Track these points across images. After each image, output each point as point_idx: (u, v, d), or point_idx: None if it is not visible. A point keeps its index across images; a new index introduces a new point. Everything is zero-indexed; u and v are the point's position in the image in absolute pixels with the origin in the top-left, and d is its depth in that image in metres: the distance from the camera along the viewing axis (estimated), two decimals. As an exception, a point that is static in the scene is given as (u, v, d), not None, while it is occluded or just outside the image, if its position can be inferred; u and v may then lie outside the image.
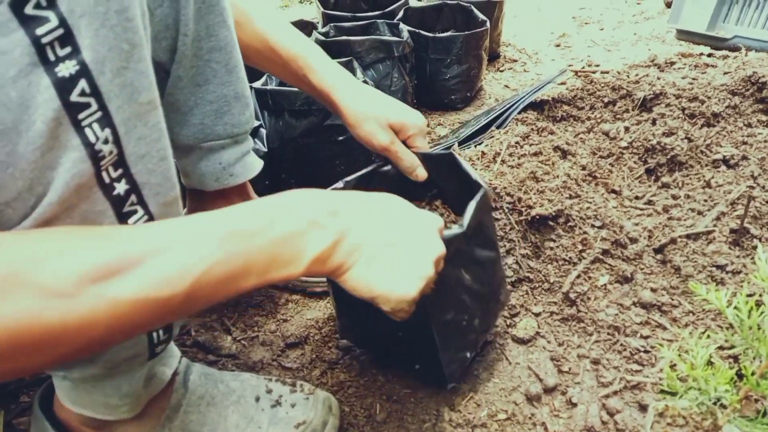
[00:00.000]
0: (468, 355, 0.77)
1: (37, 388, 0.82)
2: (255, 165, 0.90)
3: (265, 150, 1.19)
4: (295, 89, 1.15)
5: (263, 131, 1.20)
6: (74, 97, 0.42)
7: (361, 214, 0.52)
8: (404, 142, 0.85)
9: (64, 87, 0.41)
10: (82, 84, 0.42)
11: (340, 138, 1.18)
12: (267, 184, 1.20)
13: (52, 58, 0.40)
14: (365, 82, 1.18)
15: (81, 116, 0.43)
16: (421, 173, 0.85)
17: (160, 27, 0.70)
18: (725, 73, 1.24)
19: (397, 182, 0.86)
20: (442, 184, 0.87)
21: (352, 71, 1.26)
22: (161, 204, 0.52)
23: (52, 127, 0.41)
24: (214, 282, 0.43)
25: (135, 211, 0.50)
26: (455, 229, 0.67)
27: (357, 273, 0.51)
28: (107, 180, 0.46)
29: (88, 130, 0.43)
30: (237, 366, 0.88)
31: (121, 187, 0.48)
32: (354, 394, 0.82)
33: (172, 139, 0.81)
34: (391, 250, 0.53)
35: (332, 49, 1.36)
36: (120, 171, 0.47)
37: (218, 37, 0.75)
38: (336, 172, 1.23)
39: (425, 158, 0.85)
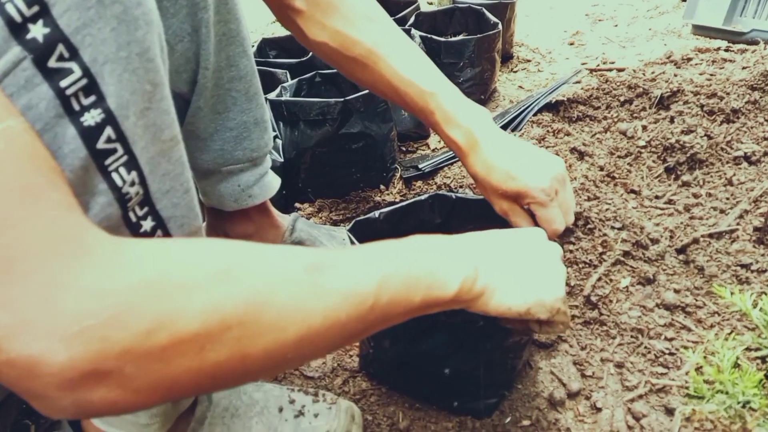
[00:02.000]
0: (506, 393, 0.79)
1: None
2: (273, 184, 0.91)
3: (282, 160, 1.20)
4: (311, 99, 1.17)
5: (279, 142, 1.22)
6: (101, 144, 0.42)
7: (487, 245, 0.58)
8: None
9: (90, 136, 0.41)
10: (108, 131, 0.42)
11: (355, 146, 1.18)
12: (284, 193, 1.21)
13: (77, 108, 0.40)
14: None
15: (107, 162, 0.43)
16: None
17: (180, 61, 0.71)
18: (744, 68, 1.22)
19: (431, 215, 0.87)
20: (481, 225, 0.87)
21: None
22: (186, 234, 0.53)
23: (79, 175, 0.41)
24: (392, 290, 0.45)
25: None
26: None
27: (504, 292, 0.55)
28: (134, 219, 0.47)
29: (114, 175, 0.44)
30: (260, 376, 0.88)
31: (147, 224, 0.49)
32: (376, 402, 0.82)
33: (192, 163, 0.83)
34: (526, 266, 0.58)
35: (345, 57, 1.37)
36: (146, 209, 0.48)
37: (238, 67, 0.76)
38: (352, 179, 1.24)
39: (466, 201, 0.84)
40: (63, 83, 0.39)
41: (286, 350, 0.39)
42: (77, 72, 0.40)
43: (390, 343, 0.78)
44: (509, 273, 0.56)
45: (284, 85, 1.27)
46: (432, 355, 0.74)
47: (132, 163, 0.45)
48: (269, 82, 1.40)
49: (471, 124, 0.73)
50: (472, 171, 0.75)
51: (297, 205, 1.24)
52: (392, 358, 0.79)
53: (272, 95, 1.23)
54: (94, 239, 0.35)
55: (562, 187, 0.73)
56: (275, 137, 1.21)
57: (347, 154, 1.20)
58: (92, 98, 0.41)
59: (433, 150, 1.48)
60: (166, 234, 0.51)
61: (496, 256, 0.57)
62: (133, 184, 0.45)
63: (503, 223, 0.76)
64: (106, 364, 0.33)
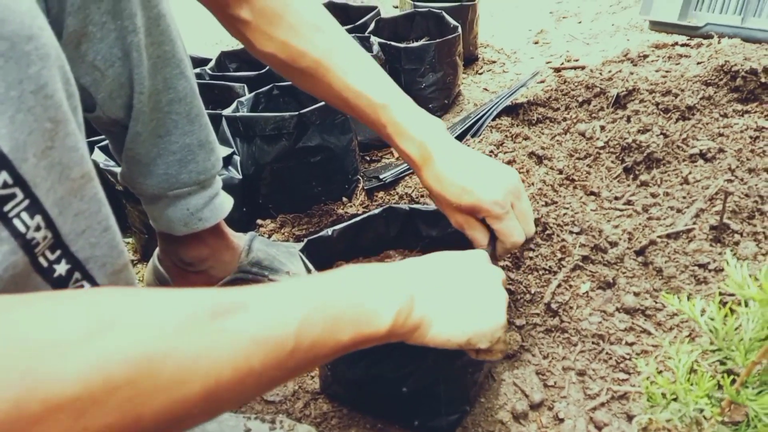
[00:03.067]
0: (468, 408, 0.78)
1: None
2: (225, 206, 0.89)
3: (240, 177, 1.17)
4: (265, 114, 1.14)
5: (237, 158, 1.19)
6: None
7: (424, 273, 0.56)
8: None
9: None
10: (3, 176, 0.40)
11: (314, 159, 1.17)
12: (244, 210, 1.19)
13: None
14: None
15: (6, 208, 0.40)
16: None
17: (113, 86, 0.69)
18: (698, 64, 1.22)
19: (385, 229, 0.86)
20: (436, 235, 0.87)
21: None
22: (109, 274, 0.51)
23: None
24: (315, 331, 0.43)
25: (82, 287, 0.49)
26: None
27: (442, 323, 0.53)
28: (45, 264, 0.45)
29: (16, 221, 0.41)
30: (219, 403, 0.86)
31: (61, 268, 0.46)
32: (337, 425, 0.80)
33: (137, 188, 0.81)
34: (466, 294, 0.56)
35: (302, 68, 1.35)
36: (58, 252, 0.46)
37: (176, 89, 0.74)
38: (314, 193, 1.22)
39: (421, 213, 0.83)
40: None
41: (189, 407, 0.35)
42: None
43: (347, 367, 0.76)
44: (447, 302, 0.54)
45: (241, 99, 1.25)
46: (390, 375, 0.72)
47: (35, 207, 0.42)
48: (227, 97, 1.38)
49: (424, 137, 0.71)
50: (426, 185, 0.73)
51: (259, 221, 1.22)
52: (350, 380, 0.78)
53: (228, 111, 1.20)
54: None
55: (518, 198, 0.71)
56: (232, 154, 1.19)
57: (306, 168, 1.18)
58: None
59: (397, 158, 1.46)
60: (86, 275, 0.48)
61: (434, 284, 0.55)
62: (38, 228, 0.43)
63: (459, 234, 0.75)
64: None
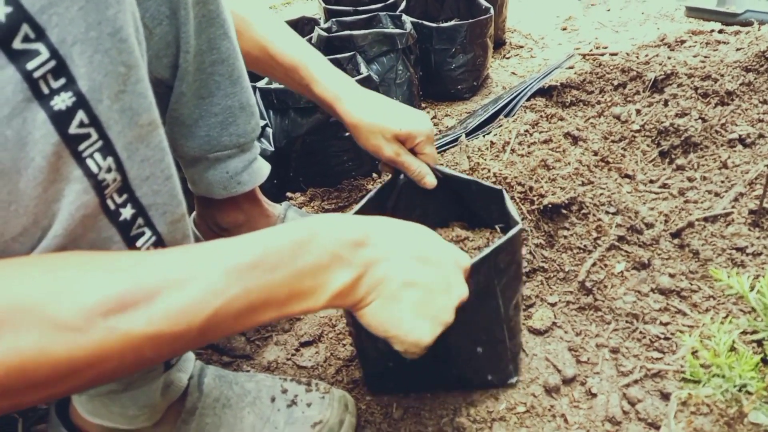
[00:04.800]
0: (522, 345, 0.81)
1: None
2: (263, 171, 0.89)
3: (272, 149, 1.18)
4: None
5: (269, 130, 1.20)
6: (73, 129, 0.40)
7: (387, 247, 0.51)
8: (413, 149, 0.83)
9: (61, 120, 0.40)
10: (80, 115, 0.41)
11: (347, 134, 1.17)
12: (275, 182, 1.20)
13: (46, 91, 0.39)
14: (369, 76, 1.17)
15: (81, 147, 0.41)
16: (430, 181, 0.83)
17: (160, 45, 0.69)
18: (738, 50, 1.20)
19: (410, 195, 0.86)
20: (457, 208, 0.87)
21: (356, 66, 1.25)
22: (169, 223, 0.52)
23: (52, 162, 0.40)
24: (231, 316, 0.42)
25: (142, 233, 0.49)
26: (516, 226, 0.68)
27: (374, 311, 0.51)
28: (112, 207, 0.46)
29: (89, 161, 0.42)
30: (251, 366, 0.87)
31: (127, 212, 0.47)
32: (370, 391, 0.81)
33: (178, 150, 0.81)
34: (413, 292, 0.52)
35: (335, 44, 1.35)
36: (125, 196, 0.46)
37: (220, 49, 0.74)
38: (344, 168, 1.22)
39: (452, 179, 0.83)
40: (30, 65, 0.37)
41: (75, 391, 0.38)
42: (44, 53, 0.38)
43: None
44: (393, 290, 0.50)
45: (274, 72, 1.25)
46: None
47: (107, 149, 0.43)
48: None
49: (342, 80, 0.83)
50: (356, 116, 0.81)
51: (288, 194, 1.23)
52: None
53: (261, 83, 1.21)
54: None
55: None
56: (265, 126, 1.19)
57: (339, 142, 1.18)
58: (62, 81, 0.39)
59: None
60: (148, 222, 0.49)
61: (392, 265, 0.50)
62: (109, 170, 0.44)
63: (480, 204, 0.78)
64: None
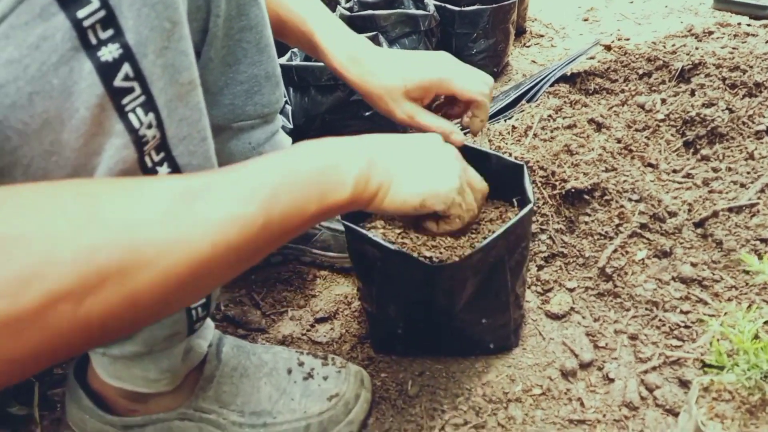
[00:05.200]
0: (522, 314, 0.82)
1: (71, 360, 0.83)
2: (284, 143, 0.89)
3: (291, 127, 1.17)
4: (321, 63, 1.14)
5: (288, 108, 1.19)
6: (118, 82, 0.40)
7: (385, 139, 0.56)
8: (433, 103, 0.76)
9: (107, 72, 0.39)
10: (126, 68, 0.41)
11: (367, 113, 1.16)
12: (293, 160, 1.19)
13: (94, 41, 0.38)
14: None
15: (125, 101, 0.41)
16: (455, 139, 0.74)
17: (191, 8, 0.68)
18: (767, 42, 1.18)
19: None
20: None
21: (378, 46, 1.23)
22: None
23: (95, 114, 0.40)
24: (282, 206, 0.43)
25: None
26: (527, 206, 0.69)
27: (398, 186, 0.53)
28: (150, 164, 0.46)
29: (131, 116, 0.42)
30: (267, 340, 0.88)
31: (163, 171, 0.47)
32: (385, 369, 0.81)
33: None
34: (420, 161, 0.56)
35: (357, 24, 1.33)
36: (162, 154, 0.46)
37: (249, 16, 0.73)
38: (362, 148, 1.21)
39: (472, 151, 0.79)
40: (80, 14, 0.37)
41: (179, 285, 0.37)
42: (95, 2, 0.38)
43: (399, 304, 0.76)
44: (403, 167, 0.54)
45: (294, 49, 1.24)
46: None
47: (149, 105, 0.43)
48: (279, 47, 1.37)
49: (353, 44, 0.76)
50: (363, 87, 0.74)
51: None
52: (403, 316, 0.78)
53: (282, 60, 1.20)
54: None
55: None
56: (285, 103, 1.18)
57: (358, 122, 1.17)
58: (110, 32, 0.39)
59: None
60: None
61: (390, 152, 0.54)
62: (150, 126, 0.43)
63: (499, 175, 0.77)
64: None
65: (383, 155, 0.53)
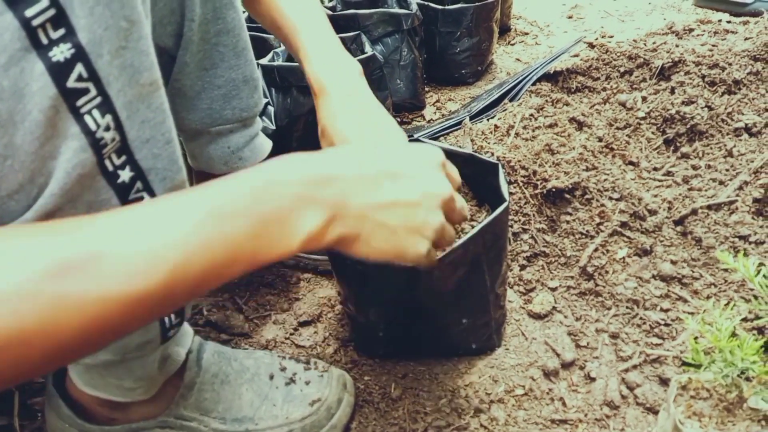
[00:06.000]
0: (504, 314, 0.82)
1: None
2: (264, 147, 0.88)
3: (273, 128, 1.17)
4: (303, 65, 1.13)
5: (271, 109, 1.18)
6: (71, 83, 0.39)
7: (353, 176, 0.46)
8: None
9: (59, 72, 0.38)
10: (79, 68, 0.39)
11: (349, 114, 1.15)
12: (276, 162, 1.18)
13: (44, 41, 0.37)
14: (373, 56, 1.15)
15: (79, 103, 0.40)
16: None
17: (164, 12, 0.67)
18: (746, 39, 1.19)
19: None
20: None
21: (361, 46, 1.23)
22: (168, 189, 0.51)
23: (49, 116, 0.39)
24: (195, 271, 0.37)
25: (141, 198, 0.48)
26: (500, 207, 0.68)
27: (365, 242, 0.46)
28: (110, 168, 0.44)
29: (87, 118, 0.41)
30: (250, 344, 0.87)
31: (125, 175, 0.46)
32: (368, 371, 0.81)
33: (179, 123, 0.80)
34: (395, 211, 0.48)
35: (339, 23, 1.33)
36: (124, 158, 0.45)
37: (225, 19, 0.73)
38: (345, 149, 1.21)
39: (447, 153, 0.79)
40: (28, 12, 0.36)
41: (41, 368, 0.34)
42: (44, 1, 0.37)
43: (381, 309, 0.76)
44: (375, 218, 0.46)
45: (276, 50, 1.23)
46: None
47: (106, 106, 0.42)
48: (261, 48, 1.36)
49: (331, 69, 0.68)
50: (318, 116, 0.69)
51: (289, 174, 1.22)
52: (383, 318, 0.78)
53: (264, 60, 1.19)
54: None
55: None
56: (267, 104, 1.18)
57: (341, 123, 1.17)
58: (61, 31, 0.38)
59: (429, 121, 1.45)
60: (147, 187, 0.48)
61: (365, 193, 0.46)
62: (108, 128, 0.43)
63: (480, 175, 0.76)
64: None
65: (356, 199, 0.45)
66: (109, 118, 0.42)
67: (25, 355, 0.33)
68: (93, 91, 0.41)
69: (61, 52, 0.38)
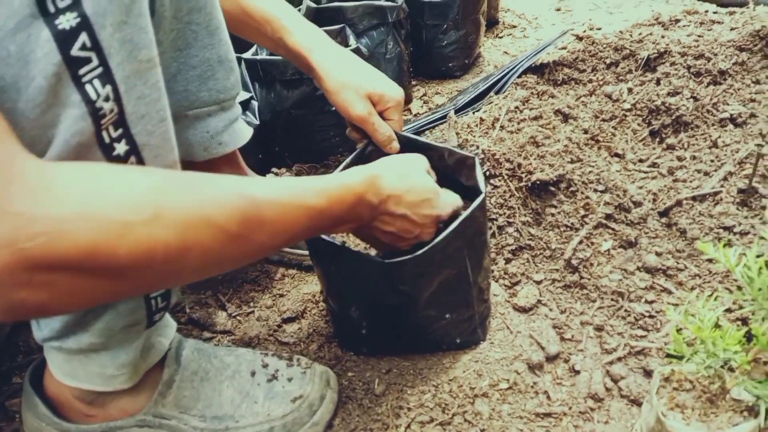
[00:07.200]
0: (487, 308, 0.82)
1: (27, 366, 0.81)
2: (244, 132, 0.87)
3: (257, 123, 1.15)
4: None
5: (254, 103, 1.17)
6: (75, 51, 0.41)
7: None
8: (381, 114, 0.81)
9: (64, 40, 0.40)
10: (83, 37, 0.41)
11: (334, 108, 1.14)
12: (260, 158, 1.17)
13: (51, 9, 0.39)
14: (358, 48, 1.14)
15: (82, 71, 0.42)
16: (395, 146, 0.81)
17: None
18: (732, 29, 1.19)
19: None
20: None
21: (345, 39, 1.22)
22: (161, 167, 0.51)
23: (52, 83, 0.40)
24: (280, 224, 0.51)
25: None
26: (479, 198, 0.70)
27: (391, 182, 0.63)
28: (107, 140, 0.46)
29: (88, 87, 0.42)
30: (233, 342, 0.86)
31: (121, 148, 0.47)
32: (352, 367, 0.80)
33: None
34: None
35: (324, 16, 1.31)
36: (120, 131, 0.46)
37: None
38: (331, 143, 1.20)
39: (423, 147, 0.81)
40: None
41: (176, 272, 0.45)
42: None
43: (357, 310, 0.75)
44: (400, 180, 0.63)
45: (260, 44, 1.22)
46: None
47: (107, 76, 0.43)
48: (243, 41, 1.35)
49: (317, 32, 0.82)
50: (327, 72, 0.79)
51: (274, 170, 1.20)
52: (366, 314, 0.77)
53: (248, 54, 1.18)
54: (22, 166, 0.36)
55: None
56: (250, 99, 1.16)
57: (325, 117, 1.16)
58: (68, 1, 0.39)
59: (415, 115, 1.44)
60: (140, 161, 0.49)
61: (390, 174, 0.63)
62: (107, 99, 0.44)
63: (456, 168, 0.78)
64: (38, 276, 0.37)
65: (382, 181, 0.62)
66: (108, 88, 0.44)
67: (199, 267, 0.45)
68: (95, 61, 0.42)
69: (67, 21, 0.39)
